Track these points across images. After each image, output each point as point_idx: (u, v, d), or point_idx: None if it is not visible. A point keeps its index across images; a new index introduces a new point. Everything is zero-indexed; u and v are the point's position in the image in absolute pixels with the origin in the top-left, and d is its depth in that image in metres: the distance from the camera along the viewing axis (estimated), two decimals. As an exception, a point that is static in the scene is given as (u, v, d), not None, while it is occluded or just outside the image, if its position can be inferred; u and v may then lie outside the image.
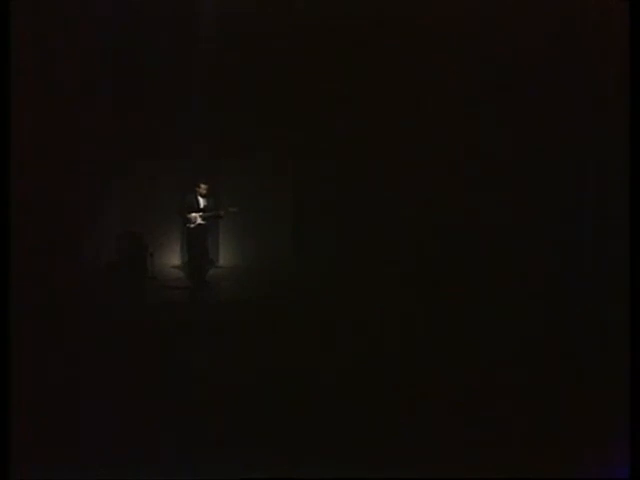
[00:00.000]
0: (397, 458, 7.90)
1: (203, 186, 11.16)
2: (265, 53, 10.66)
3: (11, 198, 7.99)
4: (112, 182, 11.14)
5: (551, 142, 10.16)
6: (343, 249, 10.48)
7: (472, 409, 8.51)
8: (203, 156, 11.29)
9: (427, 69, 10.38)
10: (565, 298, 9.71)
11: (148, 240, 11.30)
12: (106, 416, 8.29)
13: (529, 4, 10.17)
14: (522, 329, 9.51)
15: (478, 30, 10.23)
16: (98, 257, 10.95)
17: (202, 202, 11.23)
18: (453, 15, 10.21)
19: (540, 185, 10.20)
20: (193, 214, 11.17)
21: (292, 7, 10.43)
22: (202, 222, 11.21)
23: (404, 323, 9.62)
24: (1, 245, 7.65)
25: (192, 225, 11.18)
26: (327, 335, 9.50)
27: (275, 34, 10.56)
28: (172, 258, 11.81)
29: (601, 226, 9.68)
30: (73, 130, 10.41)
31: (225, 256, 11.95)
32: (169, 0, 10.66)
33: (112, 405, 8.43)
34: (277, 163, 11.41)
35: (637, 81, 8.00)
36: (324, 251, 10.55)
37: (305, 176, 11.02)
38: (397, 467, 7.75)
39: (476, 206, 10.24)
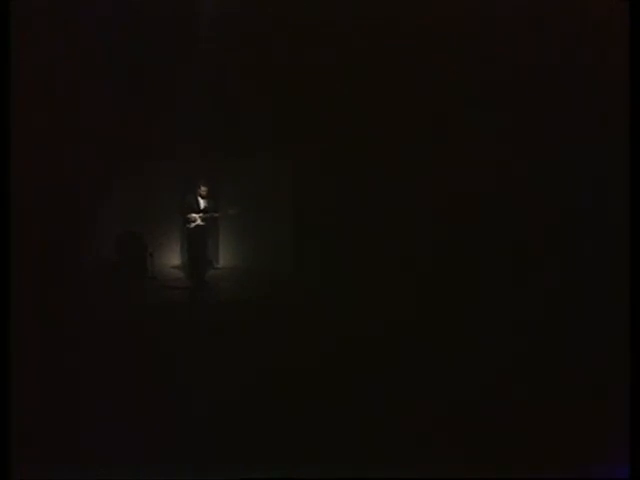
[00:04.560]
0: (397, 458, 7.90)
1: (203, 188, 11.20)
2: (266, 53, 10.65)
3: (11, 198, 8.00)
4: (112, 182, 11.13)
5: (550, 142, 10.15)
6: (343, 249, 10.47)
7: (472, 409, 8.52)
8: (203, 156, 11.28)
9: (427, 69, 10.37)
10: (565, 298, 9.70)
11: (148, 240, 11.30)
12: (106, 416, 8.29)
13: (529, 4, 10.16)
14: (522, 329, 9.50)
15: (478, 30, 10.22)
16: (98, 257, 10.94)
17: (202, 203, 11.25)
18: (453, 15, 10.20)
19: (539, 185, 10.19)
20: (193, 215, 11.19)
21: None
22: (201, 223, 11.22)
23: (405, 323, 9.61)
24: (1, 245, 7.66)
25: (192, 226, 11.20)
26: (327, 335, 9.49)
27: (276, 34, 10.55)
28: (172, 258, 11.81)
29: (601, 226, 9.67)
30: (73, 130, 10.40)
31: (225, 256, 11.94)
32: (169, 0, 10.65)
33: (112, 405, 8.43)
34: (277, 163, 11.40)
35: (637, 81, 8.01)
36: (324, 251, 10.54)
37: (305, 176, 11.01)
38: (397, 467, 7.76)
39: (477, 206, 10.24)
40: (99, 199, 11.03)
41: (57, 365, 8.88)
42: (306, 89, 10.53)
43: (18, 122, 8.63)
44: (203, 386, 8.82)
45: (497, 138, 10.26)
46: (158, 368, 9.04)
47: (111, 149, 10.79)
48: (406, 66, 10.41)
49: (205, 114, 10.81)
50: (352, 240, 10.47)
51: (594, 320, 9.26)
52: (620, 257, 8.61)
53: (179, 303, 10.96)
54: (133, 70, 10.58)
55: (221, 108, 10.78)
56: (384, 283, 10.13)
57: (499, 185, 10.20)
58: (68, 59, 10.27)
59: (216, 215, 11.27)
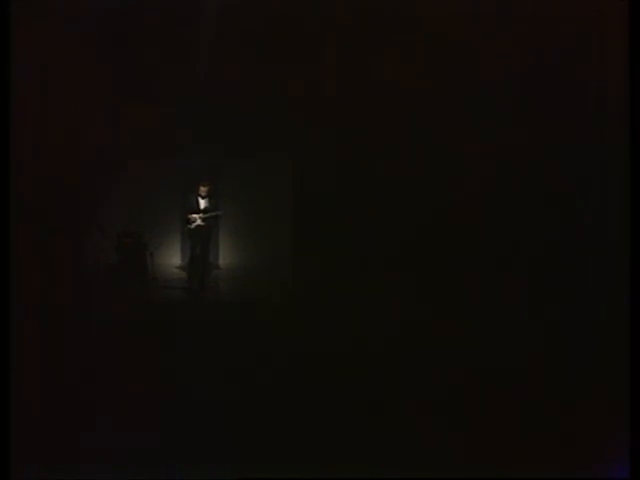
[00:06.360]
0: (397, 458, 7.91)
1: (203, 188, 11.20)
2: (266, 53, 10.65)
3: (11, 198, 8.00)
4: (112, 182, 11.14)
5: (550, 142, 10.16)
6: (343, 249, 10.47)
7: (472, 409, 8.52)
8: (203, 156, 11.28)
9: (428, 69, 10.37)
10: (565, 297, 9.71)
11: (148, 240, 11.30)
12: (106, 416, 8.30)
13: (529, 4, 10.16)
14: (522, 329, 9.50)
15: (478, 31, 10.22)
16: (98, 257, 10.95)
17: (202, 203, 11.25)
18: (453, 16, 10.20)
19: (540, 184, 10.20)
20: (193, 215, 11.20)
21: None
22: (202, 223, 11.23)
23: (405, 323, 9.62)
24: (1, 245, 7.66)
25: (192, 226, 11.21)
26: (327, 335, 9.50)
27: (276, 34, 10.55)
28: (172, 258, 11.81)
29: (601, 226, 9.68)
30: (73, 130, 10.40)
31: (225, 256, 11.94)
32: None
33: (112, 405, 8.44)
34: (277, 163, 11.41)
35: (637, 81, 8.02)
36: (324, 251, 10.54)
37: (305, 176, 11.01)
38: (398, 467, 7.77)
39: (478, 207, 10.24)
40: (99, 199, 11.03)
41: (57, 365, 8.88)
42: (306, 89, 10.54)
43: (18, 122, 8.63)
44: (203, 386, 8.82)
45: (496, 138, 10.27)
46: (158, 368, 9.04)
47: (111, 148, 10.80)
48: (408, 67, 10.41)
49: (206, 114, 10.82)
50: (352, 240, 10.47)
51: (594, 320, 9.26)
52: (620, 257, 8.63)
53: (179, 303, 10.97)
54: (133, 69, 10.59)
55: (222, 108, 10.78)
56: (384, 282, 10.13)
57: (499, 185, 10.21)
58: (68, 58, 10.27)
59: (215, 215, 11.28)
